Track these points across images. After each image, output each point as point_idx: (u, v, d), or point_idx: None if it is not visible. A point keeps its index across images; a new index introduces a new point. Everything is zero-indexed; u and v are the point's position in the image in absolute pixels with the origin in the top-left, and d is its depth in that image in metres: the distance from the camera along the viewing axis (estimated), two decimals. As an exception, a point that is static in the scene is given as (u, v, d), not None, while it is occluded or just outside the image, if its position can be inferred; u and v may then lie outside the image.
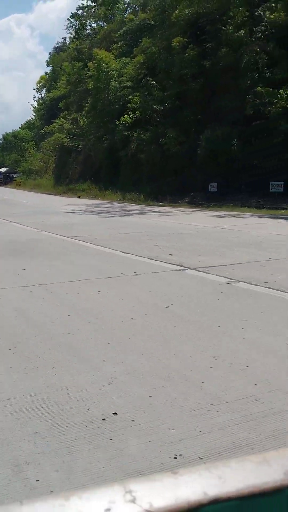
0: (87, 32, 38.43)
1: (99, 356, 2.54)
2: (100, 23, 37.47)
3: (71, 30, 38.97)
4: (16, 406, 1.97)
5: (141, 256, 5.84)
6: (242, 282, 4.29)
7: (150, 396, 2.04)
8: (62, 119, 32.39)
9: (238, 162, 18.16)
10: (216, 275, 4.60)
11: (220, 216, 11.57)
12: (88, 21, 38.00)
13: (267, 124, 16.38)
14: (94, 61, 27.36)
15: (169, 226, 9.48)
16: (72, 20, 38.41)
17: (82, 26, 38.08)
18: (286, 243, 6.92)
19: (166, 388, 2.12)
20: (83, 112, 29.07)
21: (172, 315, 3.33)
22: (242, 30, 17.74)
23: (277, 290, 3.95)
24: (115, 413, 1.88)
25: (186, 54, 20.56)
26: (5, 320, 3.29)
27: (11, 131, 59.07)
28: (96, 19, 36.89)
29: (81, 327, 3.09)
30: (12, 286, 4.32)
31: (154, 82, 21.68)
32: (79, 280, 4.52)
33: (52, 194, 27.41)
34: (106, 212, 13.83)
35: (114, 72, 26.31)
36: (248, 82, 17.74)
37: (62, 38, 53.33)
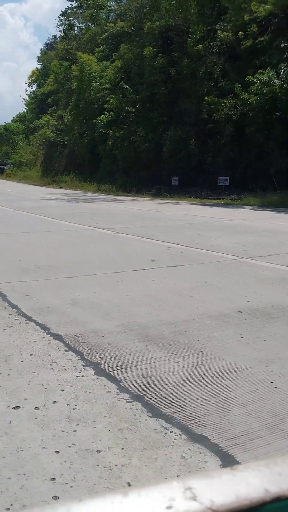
0: (75, 32, 41.42)
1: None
2: (88, 24, 40.34)
3: (62, 28, 42.03)
4: None
5: (77, 224, 9.06)
6: (123, 234, 7.53)
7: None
8: (48, 116, 35.42)
9: (195, 158, 21.36)
10: (112, 230, 7.84)
11: (161, 204, 14.82)
12: (76, 21, 41.06)
13: (217, 127, 19.56)
14: (77, 64, 30.37)
15: (112, 210, 12.71)
16: (62, 18, 41.46)
17: (70, 27, 41.14)
18: (173, 218, 10.13)
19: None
20: (67, 109, 32.12)
21: (78, 246, 6.56)
22: (200, 45, 20.87)
23: (139, 237, 7.17)
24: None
25: (156, 62, 23.69)
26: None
27: (3, 124, 61.73)
28: (83, 20, 39.81)
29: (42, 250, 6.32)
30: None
31: (127, 87, 24.77)
32: (35, 231, 7.76)
33: (38, 185, 30.52)
34: (76, 200, 17.01)
35: (95, 74, 29.35)
36: (205, 90, 20.91)
37: (53, 35, 56.01)
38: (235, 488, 0.32)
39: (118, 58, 28.00)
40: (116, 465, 1.56)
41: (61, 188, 27.40)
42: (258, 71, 16.14)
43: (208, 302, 3.67)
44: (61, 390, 2.13)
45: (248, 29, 17.93)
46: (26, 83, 59.57)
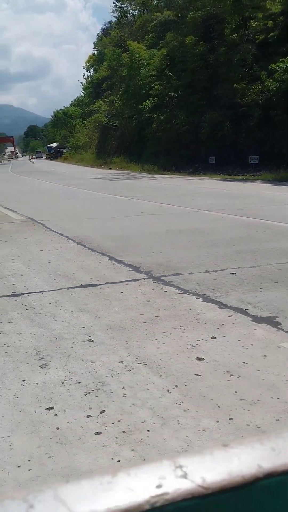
0: (128, 18, 44.20)
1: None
2: (140, 10, 42.85)
3: (116, 14, 45.03)
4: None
5: (105, 194, 12.20)
6: (135, 199, 10.54)
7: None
8: (101, 101, 38.74)
9: (229, 139, 23.72)
10: (128, 197, 10.89)
11: (187, 179, 17.62)
12: (130, 7, 43.82)
13: (248, 110, 21.79)
14: (128, 52, 33.27)
15: (141, 185, 15.73)
16: (117, 3, 44.36)
17: (124, 14, 44.01)
18: (185, 190, 12.93)
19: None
20: (118, 95, 35.23)
21: (98, 206, 9.71)
22: (235, 34, 23.02)
23: (145, 201, 10.13)
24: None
25: (197, 50, 26.06)
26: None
27: (62, 108, 66.04)
28: (136, 7, 42.46)
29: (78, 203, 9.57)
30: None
31: (170, 74, 27.37)
32: (73, 199, 11.02)
33: (90, 167, 34.09)
34: (117, 178, 20.17)
35: (144, 61, 32.11)
36: (240, 76, 23.10)
37: (108, 21, 58.95)
38: (227, 465, 0.32)
39: (165, 46, 30.50)
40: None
41: (110, 168, 30.71)
42: (280, 60, 18.21)
43: (159, 226, 6.64)
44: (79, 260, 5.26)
45: (278, 19, 19.86)
46: (83, 68, 63.12)
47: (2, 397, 2.11)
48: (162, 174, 23.57)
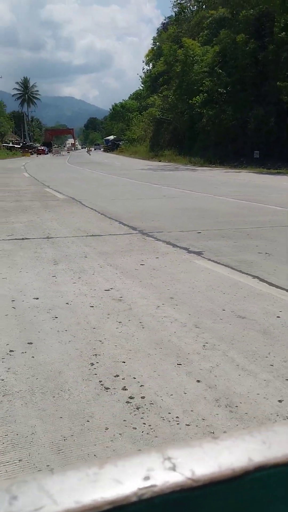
0: (186, 14, 45.76)
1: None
2: (198, 5, 44.24)
3: (176, 10, 46.75)
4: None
5: (142, 182, 14.16)
6: (165, 187, 12.42)
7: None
8: (155, 96, 40.69)
9: (274, 135, 24.88)
10: (160, 185, 12.78)
11: (225, 172, 19.21)
12: (189, 3, 45.36)
13: (291, 107, 22.89)
14: (183, 48, 34.93)
15: (180, 175, 17.53)
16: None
17: (182, 10, 45.61)
18: (216, 180, 14.57)
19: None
20: (172, 89, 37.01)
21: (132, 191, 11.73)
22: (283, 33, 24.09)
23: (174, 188, 12.00)
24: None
25: (247, 48, 27.31)
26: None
27: (121, 102, 68.63)
28: (194, 3, 43.93)
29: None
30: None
31: (220, 71, 28.82)
32: (115, 185, 13.12)
33: (142, 159, 36.18)
34: (161, 169, 22.07)
35: (198, 58, 33.65)
36: (287, 74, 24.17)
37: (168, 16, 60.56)
38: (217, 457, 0.32)
39: (218, 43, 31.87)
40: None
41: (160, 161, 32.63)
42: None
43: (172, 206, 8.50)
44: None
45: None
46: (143, 61, 65.21)
47: (36, 272, 4.13)
48: (207, 166, 25.17)
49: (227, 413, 1.97)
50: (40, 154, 62.91)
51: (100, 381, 2.24)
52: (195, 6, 44.51)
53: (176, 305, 3.28)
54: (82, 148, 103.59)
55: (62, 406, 2.03)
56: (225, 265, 4.30)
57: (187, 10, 45.86)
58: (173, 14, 47.77)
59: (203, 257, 4.65)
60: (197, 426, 1.88)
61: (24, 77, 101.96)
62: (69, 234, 5.91)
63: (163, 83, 45.45)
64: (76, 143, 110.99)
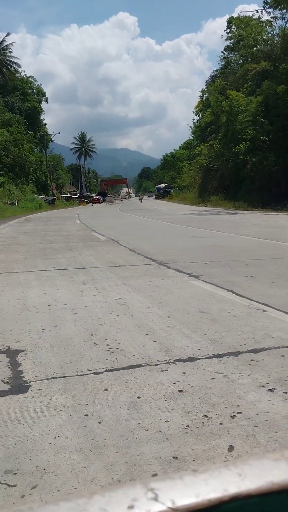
0: (233, 68, 48.62)
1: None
2: (243, 60, 46.98)
3: (222, 63, 49.88)
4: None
5: (179, 225, 15.67)
6: (196, 228, 13.85)
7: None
8: (201, 146, 43.01)
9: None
10: (193, 227, 14.22)
11: (262, 214, 20.38)
12: (233, 56, 48.33)
13: None
14: (227, 100, 37.25)
15: (217, 219, 18.92)
16: (224, 53, 49.14)
17: (228, 64, 48.59)
18: (247, 223, 15.78)
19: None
20: (217, 139, 39.12)
21: (166, 231, 13.27)
22: None
23: (203, 229, 13.40)
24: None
25: (288, 97, 28.98)
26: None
27: (172, 151, 72.04)
28: (238, 57, 46.74)
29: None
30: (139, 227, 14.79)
31: (262, 120, 30.57)
32: (153, 228, 14.73)
33: (190, 205, 38.02)
34: (204, 214, 23.59)
35: (242, 108, 35.73)
36: None
37: (215, 70, 64.06)
38: (195, 488, 0.35)
39: (260, 93, 33.84)
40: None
41: (205, 206, 34.26)
42: None
43: (195, 244, 9.88)
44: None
45: None
46: (193, 112, 68.68)
47: (68, 290, 5.64)
48: (250, 210, 26.39)
49: (164, 353, 3.28)
50: (95, 203, 66.77)
51: (94, 342, 3.63)
52: (240, 60, 47.28)
53: (162, 306, 4.63)
54: (136, 196, 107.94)
55: (68, 351, 3.43)
56: (212, 284, 5.60)
57: (233, 64, 48.78)
58: (221, 66, 50.89)
59: (199, 279, 5.96)
60: (143, 359, 3.21)
61: (81, 132, 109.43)
62: (100, 265, 7.44)
63: (211, 133, 47.92)
64: (130, 191, 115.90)
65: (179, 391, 2.69)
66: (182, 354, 3.27)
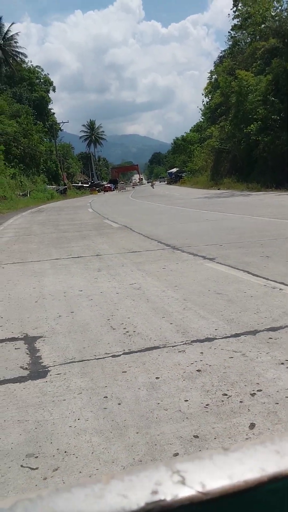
0: (241, 46, 47.73)
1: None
2: (251, 38, 46.06)
3: (230, 43, 49.01)
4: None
5: (191, 208, 15.56)
6: (204, 211, 13.76)
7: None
8: (212, 128, 42.49)
9: None
10: (204, 210, 14.12)
11: (276, 195, 20.11)
12: (241, 35, 47.40)
13: None
14: (236, 80, 36.63)
15: (230, 201, 18.74)
16: (232, 32, 48.24)
17: (236, 43, 47.70)
18: (259, 203, 15.59)
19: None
20: (228, 120, 38.61)
21: (175, 215, 13.21)
22: None
23: (212, 211, 13.30)
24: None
25: (299, 74, 28.37)
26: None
27: (182, 135, 71.36)
28: (248, 35, 45.82)
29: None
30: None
31: (273, 99, 30.01)
32: (162, 212, 14.68)
33: (201, 189, 37.73)
34: (217, 197, 23.39)
35: (252, 88, 35.12)
36: None
37: (223, 50, 62.94)
38: (228, 469, 0.31)
39: (270, 71, 33.18)
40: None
41: (218, 189, 33.96)
42: None
43: (208, 227, 9.81)
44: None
45: None
46: (202, 94, 67.88)
47: (83, 277, 5.66)
48: (263, 191, 26.09)
49: (181, 335, 3.27)
50: (106, 191, 66.70)
51: (111, 326, 3.64)
52: (248, 39, 46.33)
53: (177, 289, 4.61)
54: (148, 182, 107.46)
55: (86, 336, 3.45)
56: (227, 265, 5.56)
57: (241, 43, 47.84)
58: (229, 45, 49.96)
59: (214, 261, 5.92)
60: (160, 341, 3.20)
61: (90, 120, 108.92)
62: (114, 252, 7.44)
63: (221, 114, 47.30)
64: (142, 177, 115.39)
65: (197, 370, 2.69)
66: (199, 335, 3.25)
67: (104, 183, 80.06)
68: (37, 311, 4.26)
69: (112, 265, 6.29)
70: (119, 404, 2.37)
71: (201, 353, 2.94)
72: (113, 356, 3.00)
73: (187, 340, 3.17)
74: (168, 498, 0.29)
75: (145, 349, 3.09)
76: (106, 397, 2.46)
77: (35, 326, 3.80)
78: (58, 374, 2.78)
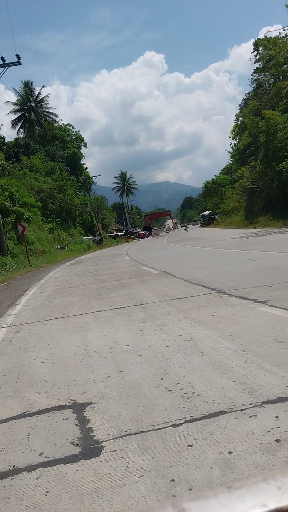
0: (265, 88, 48.41)
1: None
2: (275, 79, 46.71)
3: (254, 86, 49.84)
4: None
5: (228, 249, 15.17)
6: (244, 250, 13.33)
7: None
8: (243, 168, 42.55)
9: None
10: (245, 250, 13.70)
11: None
12: (264, 77, 48.16)
13: None
14: (264, 120, 36.88)
15: (270, 239, 18.23)
16: (254, 75, 49.12)
17: (259, 85, 48.45)
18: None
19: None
20: (258, 159, 38.58)
21: (221, 257, 12.84)
22: None
23: (256, 251, 12.87)
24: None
25: None
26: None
27: (213, 178, 71.90)
28: (270, 77, 46.52)
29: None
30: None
31: (302, 134, 29.88)
32: (201, 255, 14.34)
33: (238, 228, 37.29)
34: (255, 236, 22.90)
35: (280, 126, 35.20)
36: None
37: (247, 93, 64.11)
38: (231, 506, 0.31)
39: (297, 108, 33.27)
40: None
41: (254, 228, 33.44)
42: None
43: (252, 267, 9.41)
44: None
45: None
46: (229, 137, 68.72)
47: (128, 329, 5.34)
48: (301, 227, 25.42)
49: (248, 395, 2.86)
50: (141, 238, 67.26)
51: (166, 387, 3.26)
52: (272, 79, 47.02)
53: (232, 339, 4.21)
54: (181, 227, 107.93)
55: (139, 401, 3.09)
56: (283, 308, 5.12)
57: (265, 84, 48.57)
58: (252, 89, 50.81)
59: (267, 304, 5.49)
60: (225, 403, 2.80)
61: (121, 171, 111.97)
62: (157, 300, 7.12)
63: (250, 155, 47.45)
64: (176, 222, 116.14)
65: (276, 440, 2.27)
66: (269, 394, 2.83)
67: (138, 230, 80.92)
68: (83, 372, 3.95)
69: (157, 314, 5.96)
70: (190, 489, 1.98)
71: (276, 417, 2.52)
72: (174, 425, 2.61)
73: (256, 402, 2.76)
74: None
75: (209, 415, 2.69)
76: (173, 480, 2.07)
77: (82, 390, 3.48)
78: (114, 450, 2.42)
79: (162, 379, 3.45)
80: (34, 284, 14.30)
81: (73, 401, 3.29)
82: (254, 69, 48.33)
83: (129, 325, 5.60)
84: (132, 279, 10.86)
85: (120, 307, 7.00)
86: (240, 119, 62.20)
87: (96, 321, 6.19)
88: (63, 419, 2.99)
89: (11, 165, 37.28)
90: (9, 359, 4.87)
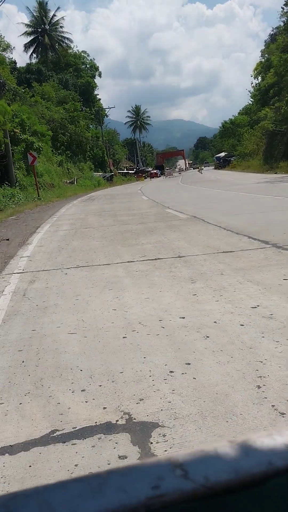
0: (297, 21, 44.22)
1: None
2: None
3: (283, 19, 45.55)
4: (197, 210, 10.65)
5: (260, 195, 13.71)
6: (251, 193, 11.90)
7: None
8: (267, 109, 39.77)
9: None
10: (282, 196, 12.27)
11: None
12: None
13: None
14: (294, 55, 33.77)
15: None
16: (285, 8, 44.82)
17: (291, 17, 44.21)
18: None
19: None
20: (285, 100, 35.85)
21: (254, 202, 11.45)
22: None
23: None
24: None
25: None
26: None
27: (230, 118, 68.32)
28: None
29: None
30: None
31: None
32: (228, 201, 12.94)
33: (256, 173, 35.32)
34: (280, 181, 21.25)
35: (311, 62, 32.22)
36: None
37: (276, 27, 59.13)
38: (233, 463, 0.29)
39: None
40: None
41: (275, 173, 31.54)
42: None
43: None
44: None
45: None
46: (251, 76, 64.48)
47: (175, 292, 4.15)
48: None
49: None
50: (153, 177, 64.99)
51: (273, 405, 2.10)
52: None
53: None
54: (193, 168, 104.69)
55: (238, 432, 1.93)
56: None
57: (297, 16, 44.28)
58: (281, 23, 46.49)
59: None
60: None
61: (135, 105, 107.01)
62: (199, 252, 5.88)
63: (274, 95, 44.25)
64: (190, 162, 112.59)
65: None
66: None
67: (150, 169, 78.27)
68: (131, 358, 2.80)
69: (207, 272, 4.75)
70: None
71: None
72: None
73: None
74: (170, 492, 0.27)
75: None
76: None
77: (138, 394, 2.33)
78: None
79: (260, 387, 2.28)
80: (46, 220, 13.05)
81: (127, 416, 2.15)
82: (285, 1, 44.02)
83: (174, 285, 4.40)
84: (158, 223, 9.57)
85: (155, 259, 5.77)
86: (266, 55, 57.90)
87: (130, 275, 4.99)
88: (119, 457, 1.85)
89: (23, 90, 34.77)
90: (24, 324, 3.72)
